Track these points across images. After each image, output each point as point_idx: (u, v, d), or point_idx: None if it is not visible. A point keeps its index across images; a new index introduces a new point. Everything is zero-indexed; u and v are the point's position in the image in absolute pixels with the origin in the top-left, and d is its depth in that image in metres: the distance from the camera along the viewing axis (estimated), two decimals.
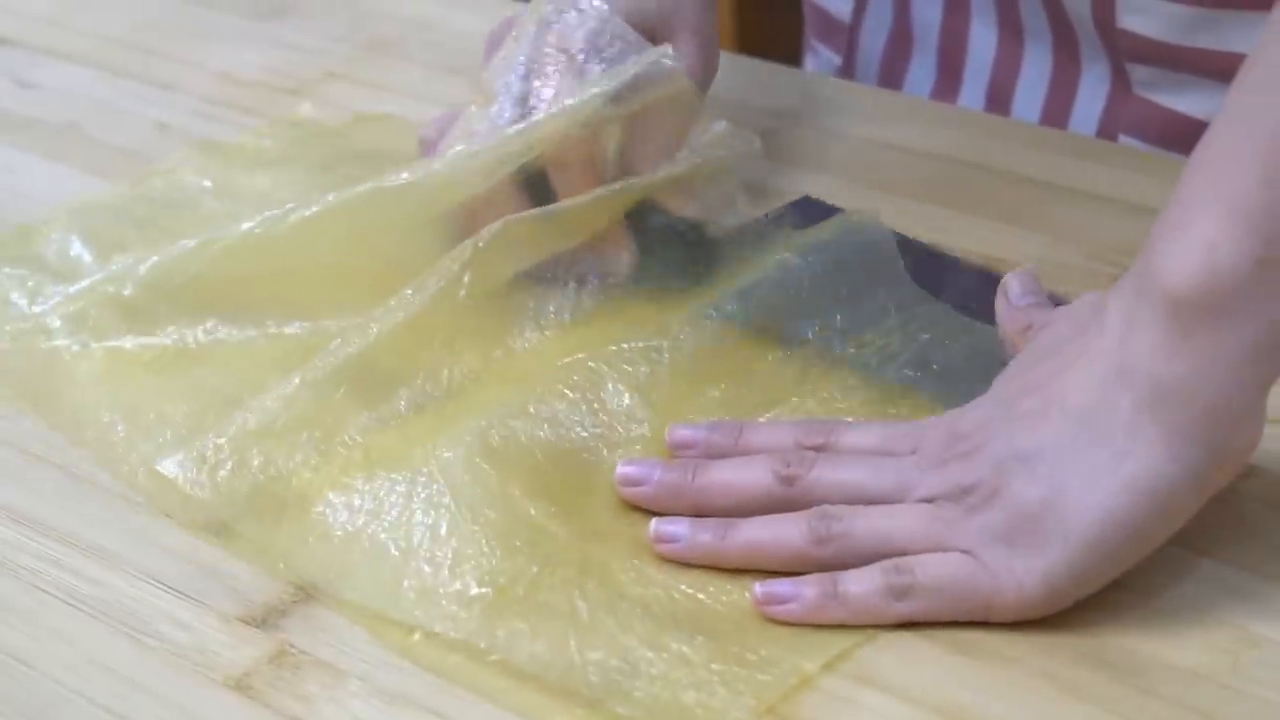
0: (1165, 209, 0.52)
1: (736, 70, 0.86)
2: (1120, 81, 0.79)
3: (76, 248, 0.70)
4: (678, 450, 0.58)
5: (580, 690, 0.50)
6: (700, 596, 0.53)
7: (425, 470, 0.57)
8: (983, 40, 0.84)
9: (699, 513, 0.55)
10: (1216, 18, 0.75)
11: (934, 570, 0.52)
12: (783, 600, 0.52)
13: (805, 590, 0.52)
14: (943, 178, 0.75)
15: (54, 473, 0.60)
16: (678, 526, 0.55)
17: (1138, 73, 0.78)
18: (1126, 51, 0.78)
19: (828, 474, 0.55)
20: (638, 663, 0.50)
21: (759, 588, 0.53)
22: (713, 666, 0.50)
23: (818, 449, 0.57)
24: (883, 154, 0.78)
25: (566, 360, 0.61)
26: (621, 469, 0.57)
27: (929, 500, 0.53)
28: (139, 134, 0.82)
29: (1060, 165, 0.76)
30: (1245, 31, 0.75)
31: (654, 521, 0.55)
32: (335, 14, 0.94)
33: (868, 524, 0.53)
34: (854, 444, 0.57)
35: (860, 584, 0.52)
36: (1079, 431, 0.52)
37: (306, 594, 0.54)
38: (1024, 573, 0.51)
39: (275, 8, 0.95)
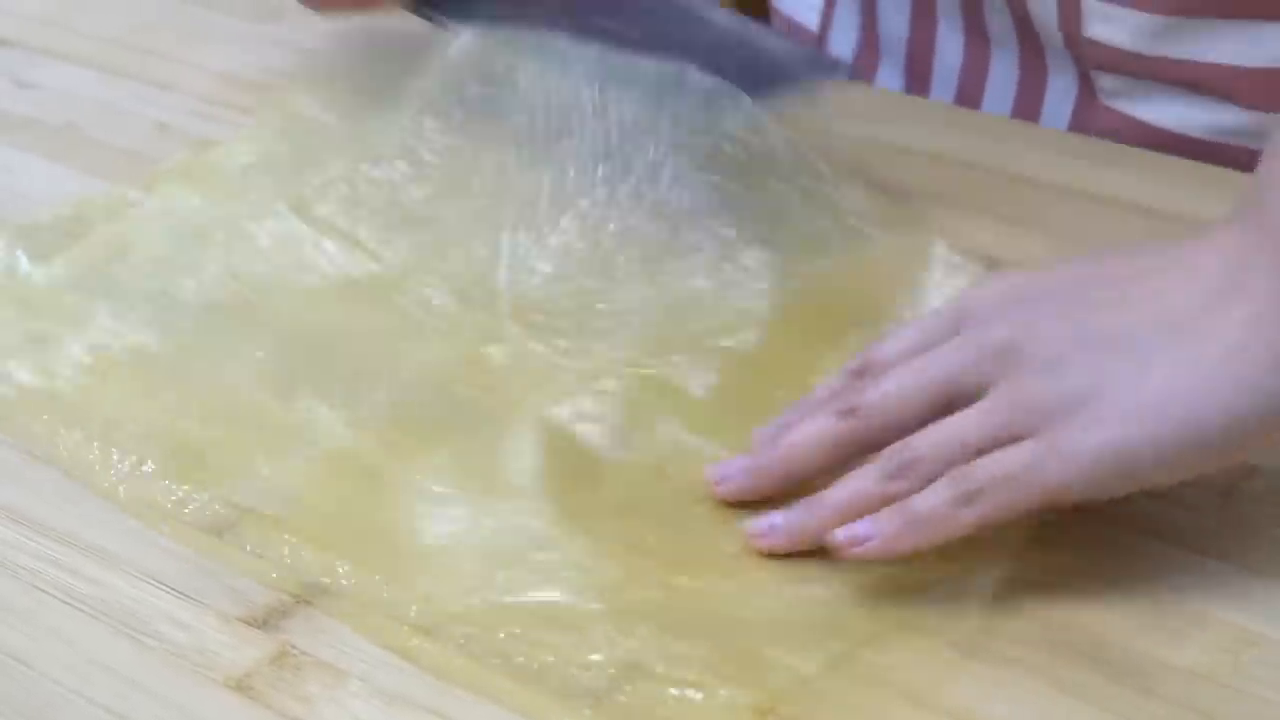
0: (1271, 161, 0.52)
1: None
2: (1086, 90, 0.80)
3: (24, 266, 0.70)
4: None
5: (582, 691, 0.50)
6: (702, 598, 0.53)
7: (430, 480, 0.57)
8: (949, 47, 0.84)
9: (787, 481, 0.55)
10: (1182, 25, 0.75)
11: (995, 467, 0.51)
12: (864, 540, 0.52)
13: (882, 525, 0.52)
14: (943, 178, 0.75)
15: (53, 473, 0.60)
16: (771, 518, 0.54)
17: (1104, 81, 0.78)
18: (1092, 60, 0.78)
19: (879, 392, 0.54)
20: (640, 664, 0.50)
21: (840, 533, 0.52)
22: (714, 668, 0.50)
23: (862, 372, 0.56)
24: (881, 154, 0.78)
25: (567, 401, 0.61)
26: (708, 471, 0.57)
27: (987, 380, 0.52)
28: (138, 134, 0.82)
29: (1066, 166, 0.76)
30: (1211, 40, 0.75)
31: (748, 522, 0.55)
32: (334, 15, 0.94)
33: (929, 440, 0.52)
34: (895, 352, 0.55)
35: (928, 500, 0.51)
36: (1175, 324, 0.51)
37: (308, 595, 0.54)
38: (1090, 449, 0.50)
39: (274, 9, 0.95)
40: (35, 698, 0.51)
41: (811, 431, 0.55)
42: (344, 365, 0.62)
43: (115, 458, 0.59)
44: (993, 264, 0.68)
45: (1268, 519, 0.56)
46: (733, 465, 0.57)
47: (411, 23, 0.79)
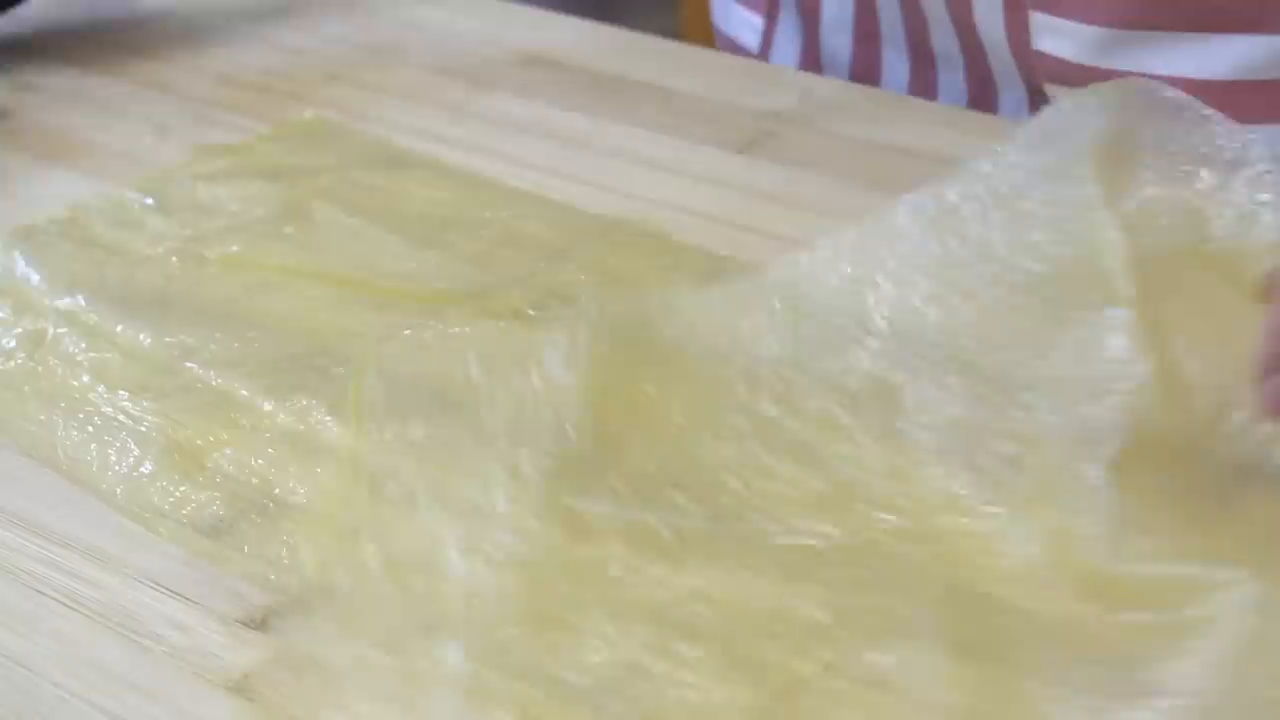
0: None
1: (735, 71, 0.86)
2: (1037, 104, 0.79)
3: (21, 268, 0.70)
4: None
5: (582, 693, 0.50)
6: (700, 599, 0.53)
7: (428, 488, 0.57)
8: (895, 69, 0.84)
9: None
10: (1130, 38, 0.75)
11: None
12: None
13: None
14: (943, 178, 0.75)
15: (52, 475, 0.60)
16: None
17: (1054, 94, 0.78)
18: (1042, 73, 0.78)
19: None
20: (640, 664, 0.50)
21: None
22: (714, 668, 0.50)
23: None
24: (882, 154, 0.78)
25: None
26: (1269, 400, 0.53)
27: None
28: (138, 136, 0.82)
29: None
30: (1159, 53, 0.74)
31: None
32: (334, 17, 0.94)
33: None
34: None
35: None
36: None
37: (307, 596, 0.54)
38: None
39: (274, 9, 0.95)
40: (35, 701, 0.51)
41: None
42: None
43: (114, 458, 0.59)
44: None
45: (1268, 519, 0.55)
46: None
47: None
